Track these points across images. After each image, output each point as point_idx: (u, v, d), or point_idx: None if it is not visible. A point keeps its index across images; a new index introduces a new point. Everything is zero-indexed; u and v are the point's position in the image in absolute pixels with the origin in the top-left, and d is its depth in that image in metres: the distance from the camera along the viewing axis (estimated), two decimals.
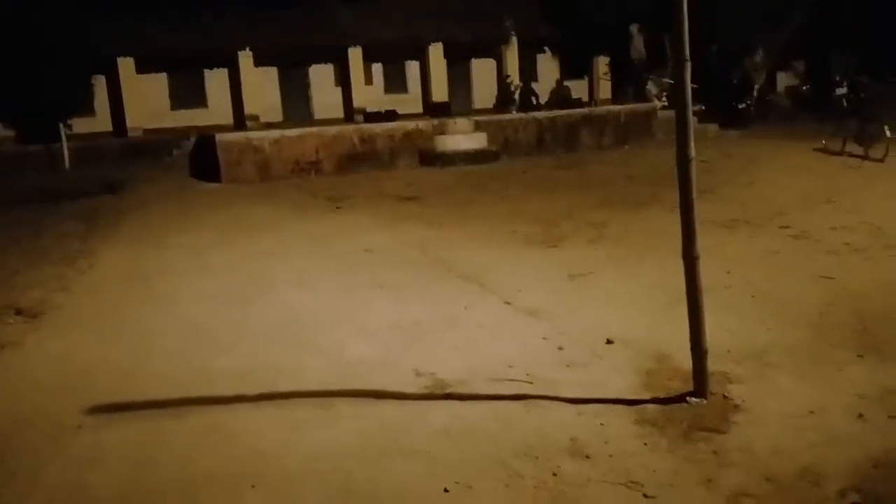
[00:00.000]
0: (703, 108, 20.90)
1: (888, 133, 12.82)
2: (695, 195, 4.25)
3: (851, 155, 13.61)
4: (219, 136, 15.57)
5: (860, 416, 3.95)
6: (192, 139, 18.09)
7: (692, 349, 4.26)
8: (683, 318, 5.57)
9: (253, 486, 3.55)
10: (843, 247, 7.71)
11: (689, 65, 4.07)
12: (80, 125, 19.40)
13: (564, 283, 7.01)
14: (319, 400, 4.48)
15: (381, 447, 3.86)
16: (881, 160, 12.71)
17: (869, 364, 4.61)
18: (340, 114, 25.37)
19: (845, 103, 19.19)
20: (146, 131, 21.58)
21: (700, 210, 10.29)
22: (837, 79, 24.00)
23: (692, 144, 4.22)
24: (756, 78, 22.76)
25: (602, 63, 26.68)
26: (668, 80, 21.50)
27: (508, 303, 6.39)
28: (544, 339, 5.41)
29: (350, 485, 3.53)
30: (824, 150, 14.35)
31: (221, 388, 4.79)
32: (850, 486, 3.31)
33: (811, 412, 4.03)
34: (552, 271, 7.41)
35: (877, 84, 23.00)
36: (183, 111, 23.32)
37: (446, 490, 3.43)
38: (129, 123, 22.26)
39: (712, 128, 19.02)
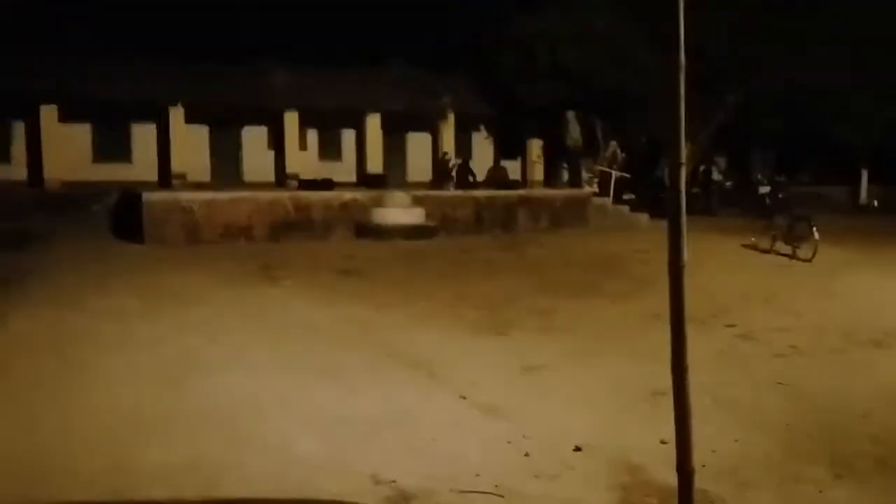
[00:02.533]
0: (634, 196, 21.48)
1: (816, 234, 13.27)
2: (686, 308, 4.03)
3: (779, 253, 14.03)
4: (145, 194, 14.85)
5: None
6: (114, 195, 17.27)
7: (678, 468, 3.99)
8: (649, 420, 5.39)
9: None
10: (790, 350, 7.74)
11: (684, 169, 3.90)
12: None
13: (519, 376, 6.73)
14: None
15: None
16: (809, 260, 13.12)
17: (848, 486, 4.46)
18: (271, 178, 24.87)
19: (768, 201, 20.01)
20: (65, 183, 20.53)
21: (643, 303, 10.28)
22: (759, 177, 25.16)
23: (685, 252, 4.03)
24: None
25: (536, 146, 27.24)
26: (600, 167, 22.07)
27: (464, 397, 6.05)
28: (508, 442, 5.08)
29: None
30: (753, 247, 14.76)
31: (153, 489, 4.23)
32: None
33: None
34: (504, 362, 7.13)
35: (791, 184, 24.24)
36: (106, 165, 22.35)
37: None
38: (46, 174, 21.12)
39: (643, 217, 19.43)
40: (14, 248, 12.76)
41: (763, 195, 21.66)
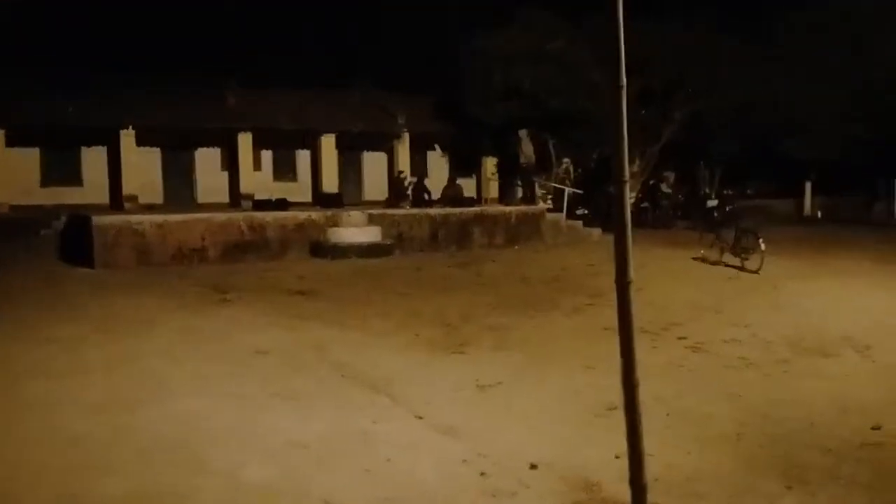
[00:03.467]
0: (587, 212, 21.78)
1: (763, 245, 13.61)
2: (634, 322, 4.10)
3: (728, 265, 14.33)
4: (95, 217, 14.55)
5: None
6: (63, 218, 16.92)
7: (632, 483, 4.05)
8: (603, 435, 5.45)
9: None
10: (739, 361, 7.90)
11: (627, 185, 3.96)
12: None
13: (475, 394, 6.74)
14: None
15: None
16: (757, 272, 13.43)
17: (799, 497, 4.56)
18: (226, 198, 24.67)
19: (716, 214, 20.46)
20: (13, 208, 20.03)
21: (596, 316, 10.40)
22: (706, 191, 25.72)
23: (631, 266, 4.08)
24: (632, 185, 24.03)
25: (490, 163, 27.47)
26: (553, 184, 22.34)
27: (420, 417, 6.04)
28: (464, 461, 5.08)
29: None
30: (703, 260, 15.06)
31: None
32: None
33: None
34: (460, 380, 7.14)
35: (739, 197, 24.82)
36: (55, 188, 21.92)
37: None
38: None
39: (596, 232, 19.70)
40: None
41: (711, 208, 22.13)
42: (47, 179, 22.40)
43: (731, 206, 21.98)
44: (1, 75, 19.73)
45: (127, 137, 22.70)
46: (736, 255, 14.30)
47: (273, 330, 9.18)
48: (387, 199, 23.79)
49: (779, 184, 28.81)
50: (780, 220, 23.37)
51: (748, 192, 28.21)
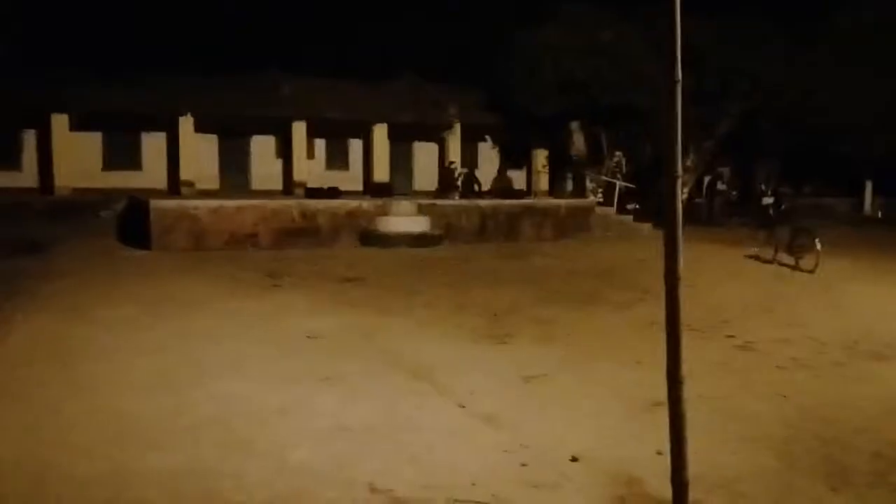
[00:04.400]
0: (638, 206, 21.51)
1: (818, 245, 13.28)
2: (682, 319, 4.07)
3: (782, 264, 14.03)
4: (153, 201, 14.98)
5: None
6: (123, 202, 17.43)
7: (673, 480, 4.03)
8: (647, 431, 5.42)
9: None
10: (791, 361, 7.75)
11: (679, 181, 3.93)
12: (4, 179, 18.50)
13: (519, 385, 6.76)
14: None
15: None
16: (811, 272, 13.12)
17: (844, 500, 4.48)
18: (279, 186, 25.04)
19: (771, 212, 20.02)
20: (75, 191, 20.71)
21: (644, 311, 10.30)
22: (763, 188, 25.15)
23: (681, 262, 4.05)
24: (686, 181, 23.64)
25: (541, 156, 27.31)
26: (604, 178, 22.14)
27: (462, 405, 6.09)
28: (505, 451, 5.11)
29: None
30: (756, 258, 14.78)
31: (151, 494, 4.29)
32: None
33: None
34: (504, 371, 7.17)
35: (795, 195, 24.22)
36: (116, 172, 22.56)
37: None
38: (57, 182, 21.35)
39: (646, 227, 19.47)
40: (23, 255, 12.93)
41: (766, 206, 21.65)
42: (108, 164, 23.06)
43: (786, 204, 21.51)
44: (64, 62, 20.34)
45: (186, 124, 23.21)
46: (790, 254, 14.00)
47: (322, 315, 9.34)
48: (437, 189, 23.85)
49: (837, 182, 28.02)
50: (837, 219, 22.76)
51: (804, 189, 27.52)
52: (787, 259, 14.07)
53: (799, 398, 6.48)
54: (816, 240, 13.37)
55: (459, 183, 22.70)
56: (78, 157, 22.02)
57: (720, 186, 24.78)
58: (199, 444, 5.10)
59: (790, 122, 22.35)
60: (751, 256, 15.00)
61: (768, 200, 22.59)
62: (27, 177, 21.89)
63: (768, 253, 14.53)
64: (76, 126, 21.94)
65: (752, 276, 13.27)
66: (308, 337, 8.24)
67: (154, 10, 21.87)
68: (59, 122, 21.71)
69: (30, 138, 21.91)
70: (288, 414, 5.77)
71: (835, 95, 20.94)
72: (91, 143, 22.96)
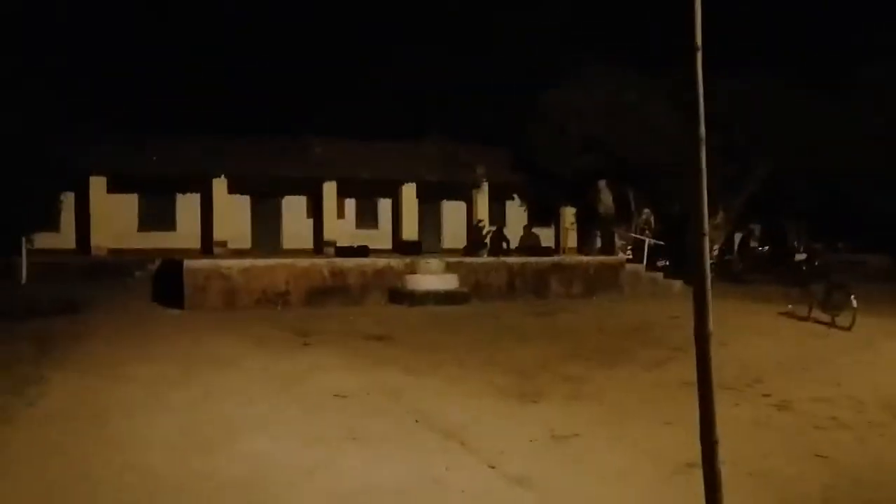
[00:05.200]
0: (668, 263, 21.38)
1: (854, 302, 13.03)
2: (715, 377, 3.99)
3: (817, 322, 13.77)
4: (186, 261, 15.26)
5: None
6: (157, 262, 17.75)
7: None
8: (681, 494, 5.30)
9: None
10: (830, 422, 7.55)
11: (707, 238, 3.91)
12: (43, 240, 18.98)
13: (549, 445, 6.66)
14: None
15: None
16: (848, 329, 12.86)
17: None
18: (310, 245, 25.37)
19: (804, 268, 19.76)
20: (111, 251, 21.17)
21: (676, 370, 10.13)
22: (796, 244, 24.86)
23: (710, 321, 3.99)
24: (715, 237, 23.49)
25: (569, 213, 27.41)
26: (633, 234, 22.10)
27: (493, 466, 6.01)
28: None
29: None
30: (791, 315, 14.53)
31: None
32: None
33: None
34: (534, 430, 7.07)
35: (828, 251, 23.87)
36: (151, 233, 23.10)
37: None
38: (94, 242, 21.91)
39: (677, 284, 19.30)
40: (59, 314, 13.17)
41: (800, 262, 21.35)
42: (144, 224, 23.64)
43: (819, 261, 21.19)
44: (103, 127, 21.03)
45: (219, 185, 23.79)
46: (826, 311, 13.74)
47: (350, 374, 9.33)
48: (465, 247, 23.98)
49: (872, 238, 27.59)
50: (874, 276, 22.31)
51: (838, 245, 27.12)
52: (823, 316, 13.81)
53: (839, 459, 6.30)
54: (852, 296, 13.13)
55: (488, 241, 22.81)
56: (114, 218, 22.62)
57: (752, 243, 24.57)
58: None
59: (821, 178, 22.22)
60: (785, 314, 14.75)
61: (801, 257, 22.28)
62: (65, 238, 22.43)
63: (803, 310, 14.28)
64: (113, 188, 22.56)
65: (786, 334, 13.03)
66: (336, 395, 8.23)
67: (188, 74, 22.66)
68: (97, 184, 22.39)
69: (68, 200, 22.53)
70: (315, 474, 5.73)
71: (866, 150, 20.82)
72: (127, 205, 23.60)
